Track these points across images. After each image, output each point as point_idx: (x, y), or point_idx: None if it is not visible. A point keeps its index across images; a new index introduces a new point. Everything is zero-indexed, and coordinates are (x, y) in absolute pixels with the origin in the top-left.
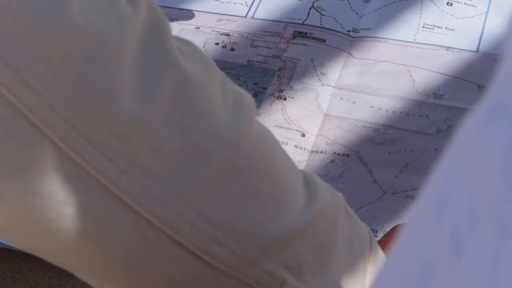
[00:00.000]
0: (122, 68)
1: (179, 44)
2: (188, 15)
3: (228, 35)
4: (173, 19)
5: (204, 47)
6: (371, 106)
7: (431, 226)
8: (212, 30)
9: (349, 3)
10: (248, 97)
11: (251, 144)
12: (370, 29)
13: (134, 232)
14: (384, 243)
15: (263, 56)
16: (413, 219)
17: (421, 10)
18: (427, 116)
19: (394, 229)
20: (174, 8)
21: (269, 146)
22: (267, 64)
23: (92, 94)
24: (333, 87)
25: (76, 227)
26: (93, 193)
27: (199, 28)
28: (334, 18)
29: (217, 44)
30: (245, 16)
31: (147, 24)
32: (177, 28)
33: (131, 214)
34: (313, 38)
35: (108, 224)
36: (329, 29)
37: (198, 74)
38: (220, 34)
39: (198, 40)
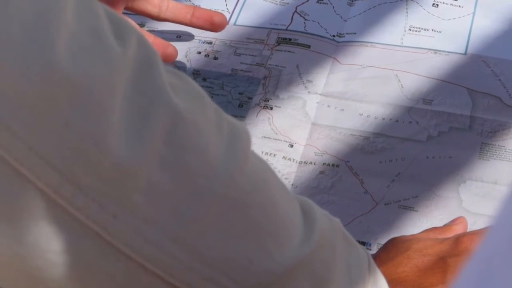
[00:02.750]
0: (111, 110)
1: (170, 77)
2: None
3: (210, 43)
4: (153, 28)
5: (186, 56)
6: (360, 114)
7: None
8: (193, 39)
9: (333, 7)
10: (242, 128)
11: (247, 178)
12: (355, 33)
13: (125, 277)
14: (380, 258)
15: (247, 64)
16: None
17: (407, 12)
18: (417, 123)
19: (389, 242)
20: None
21: (265, 178)
22: (252, 73)
23: (80, 140)
24: (320, 94)
25: (66, 274)
26: (84, 240)
27: (180, 36)
28: (318, 23)
29: (199, 53)
30: (227, 23)
31: (137, 61)
32: None
33: (122, 259)
34: (298, 44)
35: (99, 270)
36: (314, 35)
37: (191, 110)
38: (202, 42)
39: (179, 49)
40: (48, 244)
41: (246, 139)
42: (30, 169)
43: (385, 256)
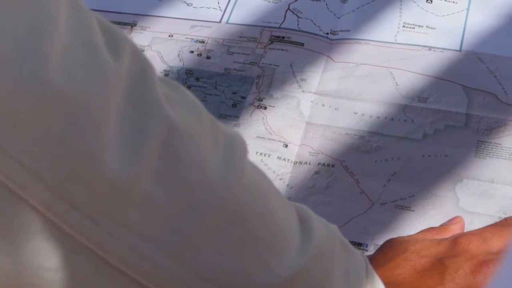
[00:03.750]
0: (106, 126)
1: (165, 88)
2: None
3: (203, 42)
4: (145, 27)
5: (179, 55)
6: (355, 112)
7: None
8: (186, 38)
9: (326, 4)
10: (239, 138)
11: (245, 190)
12: (349, 30)
13: None
14: (377, 260)
15: (240, 63)
16: None
17: (401, 8)
18: (412, 121)
19: (386, 244)
20: (146, 15)
21: (262, 188)
22: (245, 72)
23: (74, 156)
24: (314, 93)
25: None
26: (78, 257)
27: (172, 36)
28: (312, 20)
29: (192, 52)
30: (220, 21)
31: (131, 74)
32: (149, 37)
33: (117, 276)
34: (291, 42)
35: (94, 287)
36: (307, 32)
37: (186, 122)
38: (194, 41)
39: (172, 48)
40: (43, 262)
41: (242, 150)
42: (23, 187)
43: (382, 258)
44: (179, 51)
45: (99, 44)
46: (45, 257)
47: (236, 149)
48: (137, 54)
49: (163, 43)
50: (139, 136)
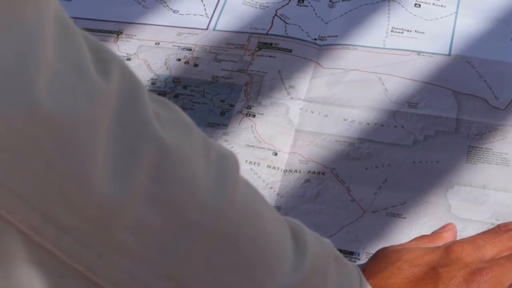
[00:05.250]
0: (95, 149)
1: (156, 107)
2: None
3: (190, 49)
4: (131, 35)
5: (166, 63)
6: (344, 119)
7: None
8: (173, 45)
9: (314, 9)
10: (231, 157)
11: (237, 210)
12: (337, 36)
13: None
14: (370, 270)
15: (228, 70)
16: None
17: (389, 13)
18: (403, 127)
19: (378, 253)
20: (132, 23)
21: (255, 207)
22: (233, 79)
23: (63, 181)
24: (303, 100)
25: None
26: (69, 281)
27: (159, 43)
28: (299, 26)
29: (179, 60)
30: (206, 28)
31: (121, 94)
32: (136, 45)
33: None
34: (279, 49)
35: None
36: (295, 38)
37: (178, 142)
38: (181, 49)
39: (159, 56)
40: (33, 286)
41: (234, 167)
42: (11, 212)
43: (375, 268)
44: (166, 59)
45: (87, 64)
46: (35, 282)
47: (227, 167)
48: (127, 73)
49: (150, 51)
50: (130, 159)
